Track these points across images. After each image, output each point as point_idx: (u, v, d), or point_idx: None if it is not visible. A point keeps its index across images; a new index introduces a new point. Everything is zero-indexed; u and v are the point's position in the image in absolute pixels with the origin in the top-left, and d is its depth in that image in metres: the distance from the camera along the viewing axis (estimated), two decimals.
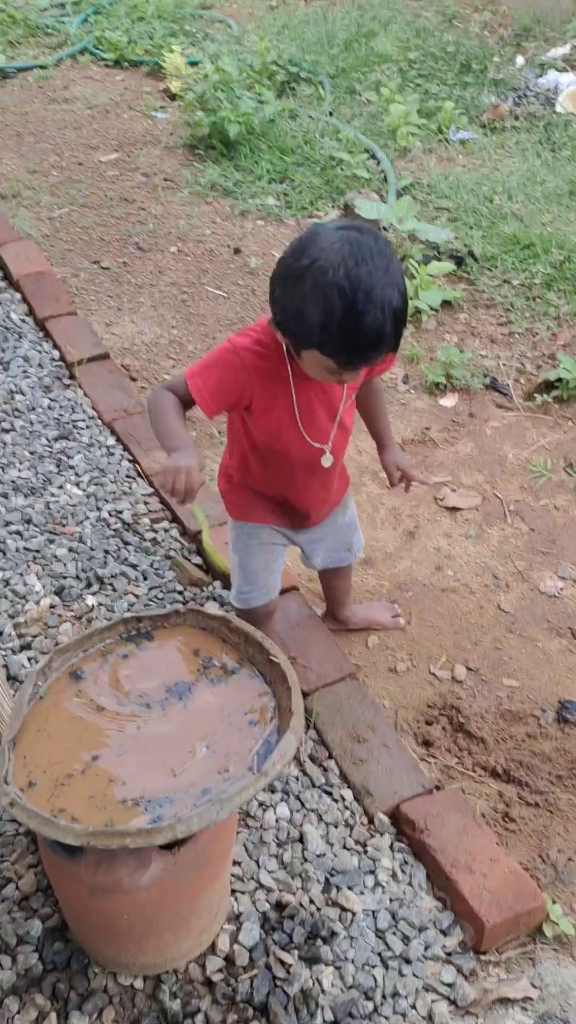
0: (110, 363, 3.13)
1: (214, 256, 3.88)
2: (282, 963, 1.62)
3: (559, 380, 3.15)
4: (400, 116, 4.68)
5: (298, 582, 2.39)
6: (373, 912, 1.72)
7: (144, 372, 3.21)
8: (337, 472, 1.92)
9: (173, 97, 5.16)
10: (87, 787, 1.42)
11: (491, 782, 2.03)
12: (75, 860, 1.40)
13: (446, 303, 3.56)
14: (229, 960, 1.63)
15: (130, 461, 2.75)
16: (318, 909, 1.71)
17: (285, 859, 1.79)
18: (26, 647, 2.18)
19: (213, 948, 1.64)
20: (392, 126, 4.70)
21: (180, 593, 2.34)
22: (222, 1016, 1.56)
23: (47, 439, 2.81)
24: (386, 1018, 1.58)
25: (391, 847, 1.83)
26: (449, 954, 1.68)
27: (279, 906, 1.71)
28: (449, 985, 1.64)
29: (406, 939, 1.69)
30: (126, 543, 2.47)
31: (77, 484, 2.65)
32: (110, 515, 2.55)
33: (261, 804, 1.88)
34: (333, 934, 1.67)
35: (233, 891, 1.72)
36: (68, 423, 2.87)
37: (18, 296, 3.45)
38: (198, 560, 2.45)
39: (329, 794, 1.92)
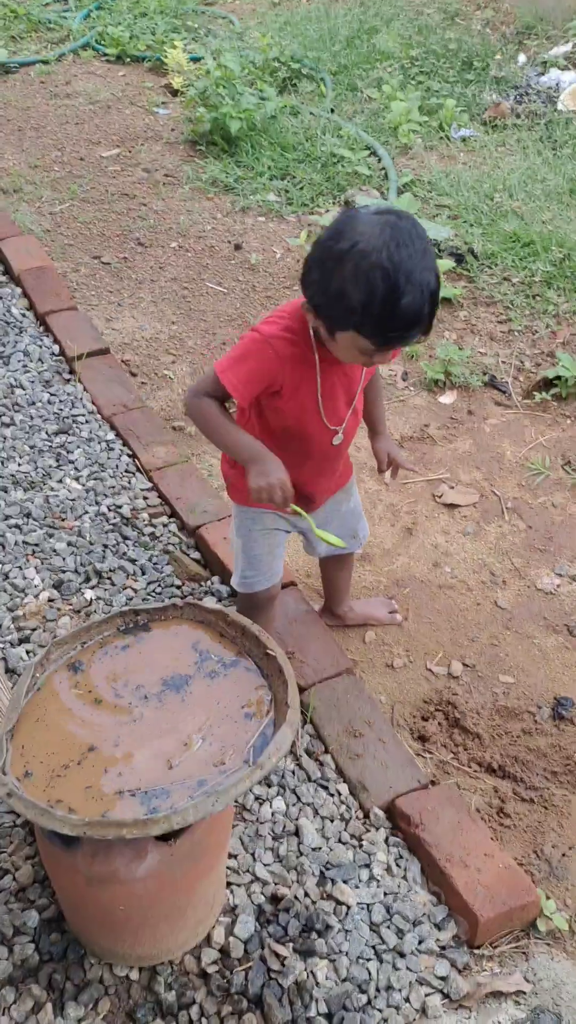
0: (110, 358, 3.14)
1: (214, 252, 3.89)
2: (277, 955, 1.63)
3: (558, 378, 3.16)
4: (401, 113, 4.69)
5: (296, 578, 2.40)
6: (368, 906, 1.73)
7: (144, 367, 3.22)
8: (344, 455, 1.96)
9: (175, 93, 5.16)
10: (84, 778, 1.43)
11: (486, 778, 2.04)
12: (72, 850, 1.41)
13: (446, 300, 3.57)
14: (224, 952, 1.64)
15: (129, 456, 2.76)
16: (313, 902, 1.72)
17: (281, 852, 1.80)
18: (24, 640, 2.18)
19: (208, 940, 1.65)
20: (393, 123, 4.71)
21: (178, 588, 2.34)
22: (217, 1008, 1.57)
23: (47, 433, 2.81)
24: (380, 1011, 1.59)
25: (386, 841, 1.84)
26: (443, 948, 1.69)
27: (274, 899, 1.72)
28: (442, 978, 1.65)
29: (400, 933, 1.70)
30: (125, 537, 2.48)
31: (76, 478, 2.66)
32: (109, 509, 2.56)
33: (257, 798, 1.89)
34: (328, 927, 1.68)
35: (229, 884, 1.73)
36: (68, 418, 2.88)
37: (19, 291, 3.45)
38: (196, 555, 2.45)
39: (325, 788, 1.93)
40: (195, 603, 1.70)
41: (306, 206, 4.20)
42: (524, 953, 1.71)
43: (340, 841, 1.84)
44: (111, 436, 2.82)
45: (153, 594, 2.32)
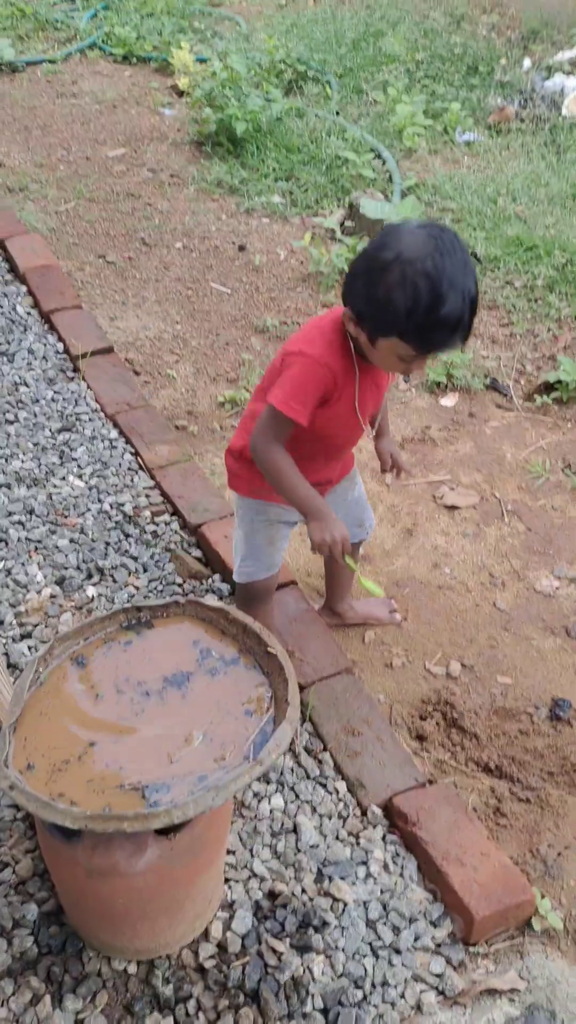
0: (114, 357, 3.16)
1: (219, 253, 3.90)
2: (274, 951, 1.65)
3: (559, 382, 3.18)
4: (406, 116, 4.71)
5: (296, 577, 2.41)
6: (364, 902, 1.74)
7: (147, 366, 3.24)
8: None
9: (181, 94, 5.18)
10: (85, 772, 1.44)
11: (483, 777, 2.05)
12: (72, 844, 1.42)
13: None
14: (222, 947, 1.65)
15: (132, 454, 2.77)
16: (310, 899, 1.74)
17: (279, 849, 1.81)
18: (27, 636, 2.20)
19: (206, 935, 1.66)
20: (398, 126, 4.73)
21: (180, 585, 2.36)
22: (214, 1002, 1.58)
23: (50, 431, 2.83)
24: (375, 1006, 1.61)
25: (383, 839, 1.86)
26: (438, 945, 1.71)
27: (272, 895, 1.74)
28: (438, 975, 1.66)
29: (396, 930, 1.71)
30: (127, 535, 2.50)
31: (79, 476, 2.68)
32: (111, 507, 2.58)
33: (256, 795, 1.90)
34: (324, 923, 1.70)
35: (227, 879, 1.75)
36: (71, 416, 2.90)
37: (24, 289, 3.47)
38: (198, 553, 2.47)
39: (323, 786, 1.94)
40: (197, 600, 1.71)
41: (310, 208, 4.22)
42: (519, 951, 1.72)
43: (338, 838, 1.85)
44: (114, 434, 2.84)
45: (155, 591, 2.34)
